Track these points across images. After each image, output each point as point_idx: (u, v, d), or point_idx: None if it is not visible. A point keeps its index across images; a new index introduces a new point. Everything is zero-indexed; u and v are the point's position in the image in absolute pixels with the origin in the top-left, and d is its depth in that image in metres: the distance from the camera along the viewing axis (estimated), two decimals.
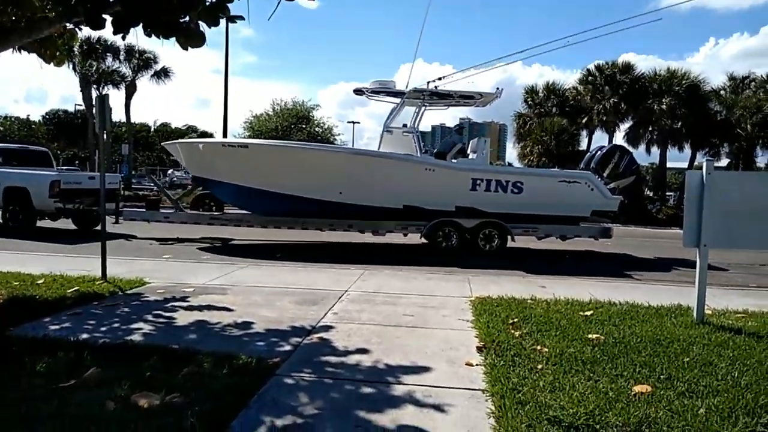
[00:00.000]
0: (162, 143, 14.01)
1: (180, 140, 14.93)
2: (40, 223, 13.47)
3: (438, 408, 3.48)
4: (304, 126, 34.98)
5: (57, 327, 4.92)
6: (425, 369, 4.17)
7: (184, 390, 3.54)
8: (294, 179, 11.62)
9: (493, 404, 3.51)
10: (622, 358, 4.40)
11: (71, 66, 29.84)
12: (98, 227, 13.83)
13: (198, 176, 13.00)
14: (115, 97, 32.91)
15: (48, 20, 4.89)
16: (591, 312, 5.92)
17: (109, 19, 4.27)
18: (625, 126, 34.25)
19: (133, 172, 37.59)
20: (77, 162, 53.25)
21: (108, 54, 30.70)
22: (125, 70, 31.71)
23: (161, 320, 5.33)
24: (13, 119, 67.30)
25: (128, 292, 6.57)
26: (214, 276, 7.80)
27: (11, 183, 12.78)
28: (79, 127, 56.89)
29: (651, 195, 34.77)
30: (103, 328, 4.97)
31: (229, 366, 4.00)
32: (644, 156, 37.02)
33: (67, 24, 6.80)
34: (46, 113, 67.11)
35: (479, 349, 4.64)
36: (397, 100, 12.84)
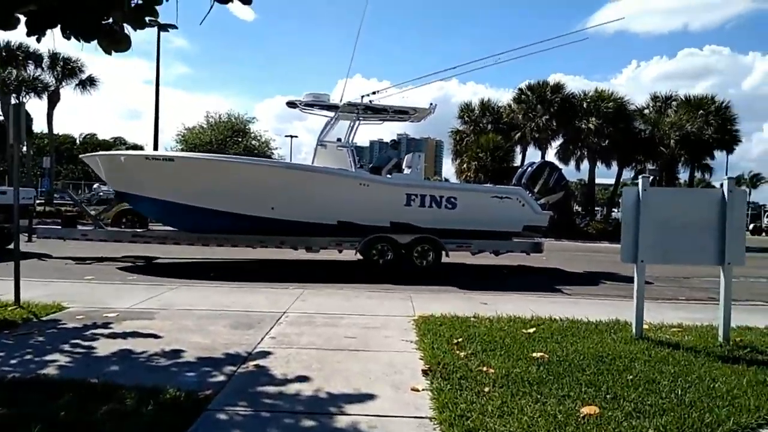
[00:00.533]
0: (80, 156, 13.18)
1: (99, 153, 14.11)
2: None
3: None
4: (240, 139, 34.27)
5: None
6: (369, 396, 3.96)
7: (103, 431, 3.18)
8: (223, 194, 11.17)
9: None
10: (567, 377, 4.35)
11: None
12: (11, 246, 12.88)
13: (119, 191, 12.28)
14: (37, 106, 31.09)
15: None
16: (533, 329, 5.90)
17: (23, 19, 3.86)
18: (556, 143, 35.53)
19: (55, 186, 35.56)
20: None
21: (30, 61, 28.92)
22: (48, 78, 29.98)
23: (79, 350, 4.86)
24: None
25: (44, 318, 6.02)
26: (140, 299, 7.30)
27: None
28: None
29: (580, 210, 36.13)
30: (13, 361, 4.47)
31: (155, 402, 3.65)
32: (574, 172, 38.46)
33: None
34: None
35: (425, 373, 4.48)
36: (331, 114, 12.67)
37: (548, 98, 33.37)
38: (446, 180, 43.82)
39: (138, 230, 12.57)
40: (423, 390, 4.09)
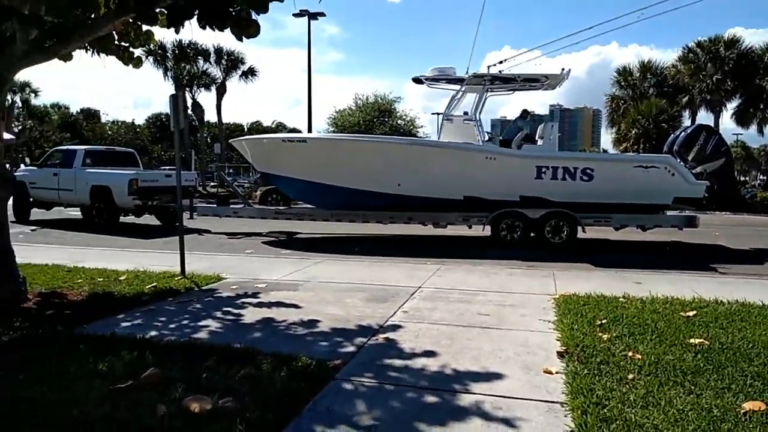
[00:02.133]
0: (230, 140, 14.38)
1: (245, 137, 15.24)
2: (125, 219, 14.27)
3: (508, 423, 3.09)
4: (386, 119, 34.97)
5: (128, 324, 4.98)
6: (497, 376, 3.78)
7: (238, 394, 3.39)
8: (352, 172, 11.50)
9: (573, 421, 3.08)
10: (730, 367, 3.78)
11: (164, 71, 31.54)
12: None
13: (263, 171, 13.24)
14: (208, 99, 34.40)
15: (105, 17, 4.93)
16: (694, 312, 5.24)
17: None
18: (731, 105, 31.35)
19: (211, 169, 39.18)
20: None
21: (199, 57, 32.13)
22: (215, 71, 33.11)
23: (229, 318, 5.27)
24: (120, 123, 72.58)
25: (203, 288, 6.63)
26: (287, 271, 7.74)
27: (96, 182, 13.63)
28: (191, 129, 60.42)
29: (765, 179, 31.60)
30: (172, 326, 4.97)
31: (288, 368, 3.81)
32: (756, 137, 33.78)
33: (136, 22, 6.97)
34: (149, 117, 71.55)
35: (560, 355, 4.17)
36: (457, 87, 12.35)
37: (721, 55, 29.47)
38: (604, 151, 41.00)
39: (280, 208, 13.49)
40: (557, 373, 3.81)
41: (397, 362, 4.05)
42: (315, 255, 9.58)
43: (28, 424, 2.97)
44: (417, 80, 12.89)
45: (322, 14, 27.33)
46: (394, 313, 5.48)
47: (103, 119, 71.79)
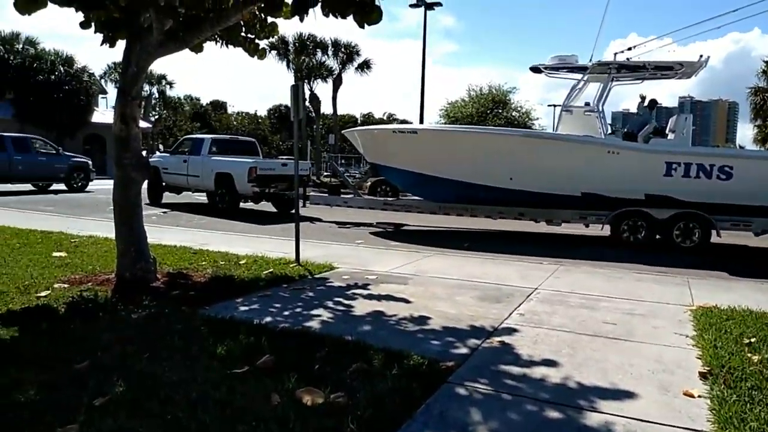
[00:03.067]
0: (343, 131, 14.61)
1: (357, 128, 15.37)
2: (245, 205, 15.00)
3: None
4: (500, 111, 34.07)
5: (246, 308, 5.12)
6: (628, 395, 3.41)
7: (349, 389, 3.32)
8: (462, 164, 11.18)
9: None
10: None
11: (286, 63, 32.86)
12: (293, 210, 14.94)
13: (373, 162, 13.30)
14: (324, 90, 35.33)
15: (234, 7, 5.06)
16: None
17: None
18: None
19: (343, 161, 40.26)
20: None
21: (318, 49, 33.12)
22: (332, 63, 33.96)
23: (340, 308, 5.26)
24: (244, 114, 76.95)
25: (316, 276, 6.71)
26: (398, 264, 7.66)
27: (220, 169, 14.42)
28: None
29: None
30: (286, 312, 5.04)
31: (399, 366, 3.69)
32: None
33: (261, 13, 7.16)
34: (270, 108, 75.18)
35: (703, 376, 3.70)
36: (579, 76, 11.57)
37: None
38: (741, 147, 37.20)
39: (388, 199, 13.51)
40: (699, 397, 3.37)
41: (514, 369, 3.79)
42: (423, 248, 9.44)
43: (156, 401, 3.07)
44: (535, 69, 12.32)
45: (438, 4, 27.03)
46: (510, 315, 5.19)
47: (230, 110, 76.48)
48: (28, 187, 20.23)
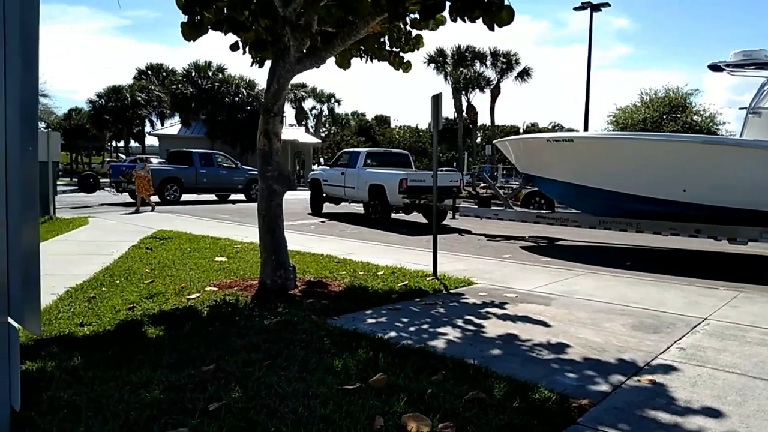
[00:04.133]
0: (493, 141, 14.07)
1: (508, 138, 14.71)
2: (397, 216, 15.20)
3: None
4: (678, 116, 30.82)
5: (373, 321, 5.05)
6: None
7: (460, 419, 3.05)
8: (626, 175, 10.02)
9: None
10: None
11: (444, 75, 33.10)
12: (445, 221, 14.78)
13: (525, 173, 12.59)
14: (482, 101, 34.98)
15: (362, 20, 5.05)
16: None
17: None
18: None
19: (504, 171, 39.52)
20: (455, 163, 59.16)
21: (476, 60, 32.93)
22: (490, 73, 33.52)
23: (470, 328, 4.96)
24: (405, 128, 79.18)
25: (452, 291, 6.47)
26: (542, 282, 7.12)
27: (373, 181, 14.81)
28: (456, 131, 63.35)
29: None
30: (412, 328, 4.87)
31: (522, 399, 3.32)
32: None
33: (404, 26, 7.14)
34: (430, 121, 76.36)
35: None
36: None
37: None
38: None
39: (542, 212, 12.71)
40: None
41: (664, 416, 3.20)
42: (577, 265, 8.69)
43: (264, 412, 3.08)
44: (715, 67, 10.84)
45: (606, 5, 25.34)
46: (667, 348, 4.48)
47: (393, 124, 79.19)
48: (212, 197, 22.70)
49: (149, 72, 51.71)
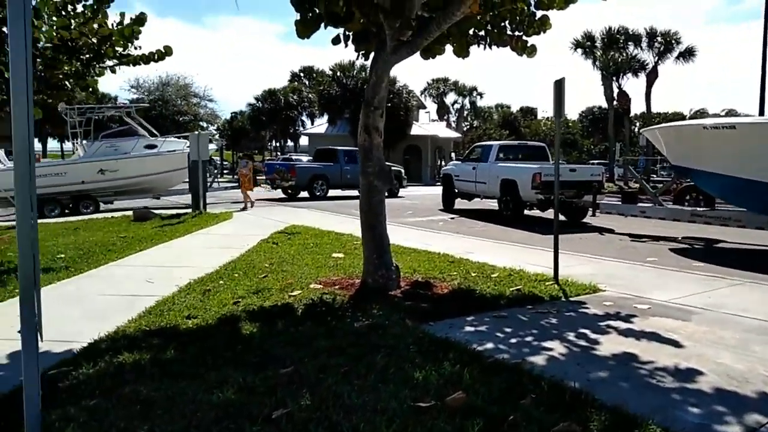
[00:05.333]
0: (641, 130, 12.56)
1: (659, 125, 13.02)
2: (531, 213, 14.34)
3: None
4: None
5: (471, 329, 4.67)
6: None
7: None
8: None
9: None
10: None
11: (592, 60, 30.77)
12: (584, 219, 13.63)
13: (678, 165, 11.04)
14: (635, 86, 32.02)
15: (456, 3, 4.64)
16: None
17: None
18: None
19: (665, 164, 35.98)
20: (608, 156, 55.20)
21: (629, 42, 30.15)
22: (645, 56, 30.48)
23: (581, 343, 4.38)
24: (546, 118, 75.53)
25: (571, 298, 5.83)
26: (687, 292, 6.16)
27: (505, 175, 14.09)
28: (606, 120, 58.93)
29: None
30: (513, 340, 4.42)
31: None
32: None
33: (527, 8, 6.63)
34: (582, 111, 71.98)
35: None
36: None
37: None
38: None
39: (698, 210, 11.09)
40: None
41: None
42: (735, 273, 7.44)
43: (324, 425, 2.91)
44: None
45: None
46: None
47: (539, 115, 75.98)
48: (354, 192, 23.45)
49: (301, 74, 54.98)
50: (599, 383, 3.57)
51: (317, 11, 5.70)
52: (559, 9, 6.93)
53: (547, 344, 4.32)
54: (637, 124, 46.72)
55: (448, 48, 6.81)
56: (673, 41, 29.31)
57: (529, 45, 7.12)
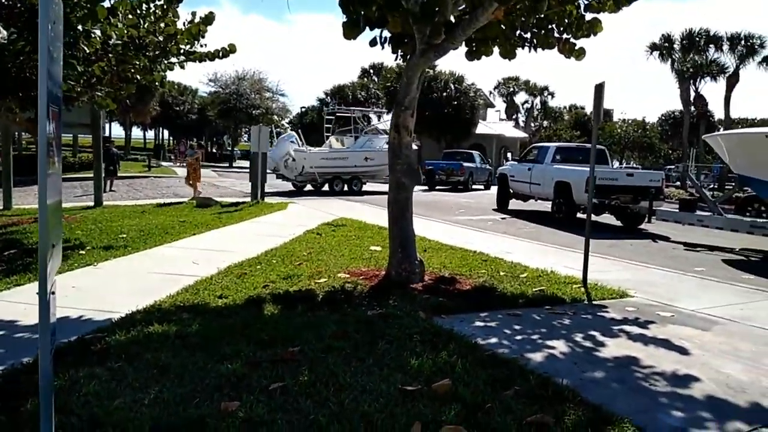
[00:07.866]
0: (703, 136, 12.00)
1: (721, 132, 12.40)
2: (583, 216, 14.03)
3: None
4: None
5: (480, 325, 4.80)
6: None
7: None
8: None
9: None
10: None
11: (670, 63, 29.43)
12: (641, 225, 13.22)
13: (741, 174, 10.54)
14: (714, 91, 30.37)
15: (481, 8, 4.75)
16: None
17: None
18: None
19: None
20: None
21: (709, 45, 28.61)
22: (726, 59, 28.80)
23: (586, 344, 4.43)
24: (629, 121, 72.56)
25: (594, 302, 5.83)
26: (720, 302, 6.00)
27: (559, 178, 13.87)
28: (691, 125, 55.99)
29: None
30: (518, 337, 4.53)
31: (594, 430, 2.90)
32: None
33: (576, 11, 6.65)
34: (663, 114, 68.75)
35: None
36: None
37: None
38: None
39: (758, 220, 10.54)
40: None
41: None
42: None
43: (313, 398, 3.17)
44: None
45: None
46: None
47: (616, 117, 73.21)
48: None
49: (371, 71, 55.59)
50: (590, 383, 3.65)
51: (361, 13, 5.97)
52: (610, 12, 6.89)
53: (550, 343, 4.41)
54: (719, 129, 44.19)
55: (495, 50, 6.93)
56: (756, 45, 27.55)
57: (577, 48, 7.11)
